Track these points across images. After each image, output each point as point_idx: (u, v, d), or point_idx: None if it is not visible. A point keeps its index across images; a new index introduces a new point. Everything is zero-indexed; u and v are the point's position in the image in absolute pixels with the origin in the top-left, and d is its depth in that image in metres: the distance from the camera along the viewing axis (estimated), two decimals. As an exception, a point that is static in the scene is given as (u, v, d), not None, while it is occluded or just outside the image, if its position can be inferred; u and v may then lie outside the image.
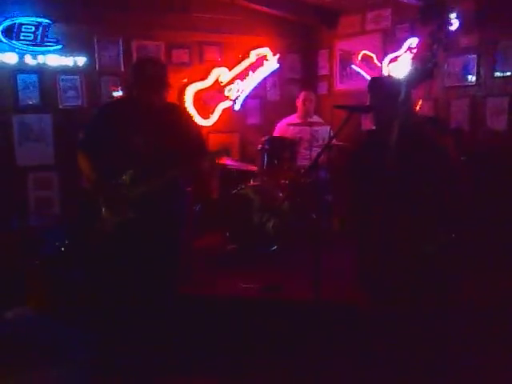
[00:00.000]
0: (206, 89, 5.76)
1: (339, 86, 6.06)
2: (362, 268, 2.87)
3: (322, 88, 6.28)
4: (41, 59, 4.84)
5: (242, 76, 5.92)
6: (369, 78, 5.49)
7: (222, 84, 5.83)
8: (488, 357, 2.96)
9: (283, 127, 5.41)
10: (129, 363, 3.02)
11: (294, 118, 5.45)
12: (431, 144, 2.65)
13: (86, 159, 3.11)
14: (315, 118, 5.40)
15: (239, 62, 5.90)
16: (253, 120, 6.16)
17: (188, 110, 5.21)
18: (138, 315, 3.10)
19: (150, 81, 3.05)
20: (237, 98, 5.92)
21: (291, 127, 5.26)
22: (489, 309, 3.29)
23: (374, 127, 3.07)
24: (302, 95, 5.46)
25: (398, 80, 2.86)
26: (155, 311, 3.12)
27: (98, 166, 3.09)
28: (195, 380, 3.04)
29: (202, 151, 3.25)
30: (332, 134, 3.05)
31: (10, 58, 4.74)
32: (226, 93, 5.86)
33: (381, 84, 2.89)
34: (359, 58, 5.65)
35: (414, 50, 4.96)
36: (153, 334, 3.06)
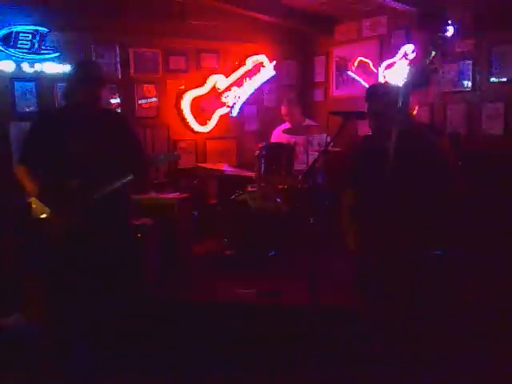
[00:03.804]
0: (203, 95, 5.80)
1: (335, 93, 6.09)
2: (361, 272, 2.88)
3: (319, 94, 6.31)
4: (38, 67, 4.86)
5: (239, 83, 5.95)
6: (365, 84, 5.52)
7: (219, 91, 5.86)
8: (488, 357, 2.97)
9: (278, 134, 5.43)
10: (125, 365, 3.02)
11: (287, 124, 5.45)
12: (430, 148, 2.66)
13: (27, 174, 3.10)
14: (308, 122, 5.41)
15: (236, 69, 5.94)
16: (250, 126, 6.18)
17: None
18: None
19: (90, 81, 3.08)
20: (234, 105, 5.96)
21: (285, 134, 5.26)
22: (488, 311, 3.30)
23: (370, 133, 3.08)
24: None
25: (396, 86, 2.88)
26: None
27: (39, 178, 3.07)
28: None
29: (139, 156, 3.25)
30: (328, 140, 3.06)
31: (8, 66, 4.76)
32: (223, 99, 5.90)
33: (379, 91, 2.91)
34: (355, 64, 5.69)
35: (410, 57, 5.00)
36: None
